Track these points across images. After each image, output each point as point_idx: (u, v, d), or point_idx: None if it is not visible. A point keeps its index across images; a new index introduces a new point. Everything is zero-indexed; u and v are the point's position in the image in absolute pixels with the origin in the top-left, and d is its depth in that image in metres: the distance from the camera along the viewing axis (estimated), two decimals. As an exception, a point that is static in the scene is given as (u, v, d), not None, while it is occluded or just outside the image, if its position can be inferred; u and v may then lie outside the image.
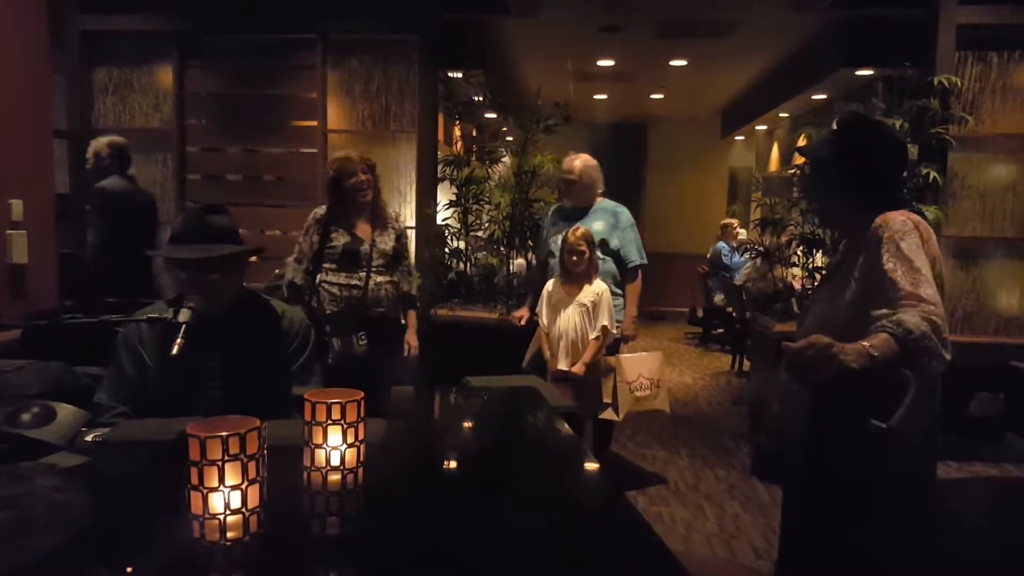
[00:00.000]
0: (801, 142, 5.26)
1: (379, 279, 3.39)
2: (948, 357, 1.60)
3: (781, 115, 8.02)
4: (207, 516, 1.03)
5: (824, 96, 6.65)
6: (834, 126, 1.99)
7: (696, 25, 5.88)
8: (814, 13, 5.22)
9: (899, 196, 1.97)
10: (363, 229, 3.41)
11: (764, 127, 9.77)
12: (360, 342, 3.31)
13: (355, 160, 3.35)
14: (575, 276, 3.63)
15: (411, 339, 3.56)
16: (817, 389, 1.82)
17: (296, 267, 3.37)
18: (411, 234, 4.97)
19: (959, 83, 4.44)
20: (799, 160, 5.27)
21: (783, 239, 5.03)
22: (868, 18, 4.96)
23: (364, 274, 3.35)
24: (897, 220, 1.77)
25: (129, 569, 1.05)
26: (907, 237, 1.73)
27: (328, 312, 3.31)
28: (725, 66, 7.45)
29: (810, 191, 2.03)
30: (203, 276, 1.99)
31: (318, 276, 3.35)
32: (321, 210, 3.42)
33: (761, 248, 5.10)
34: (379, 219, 3.46)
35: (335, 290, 3.32)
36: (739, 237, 8.15)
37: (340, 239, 3.35)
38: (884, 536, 1.77)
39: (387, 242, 3.44)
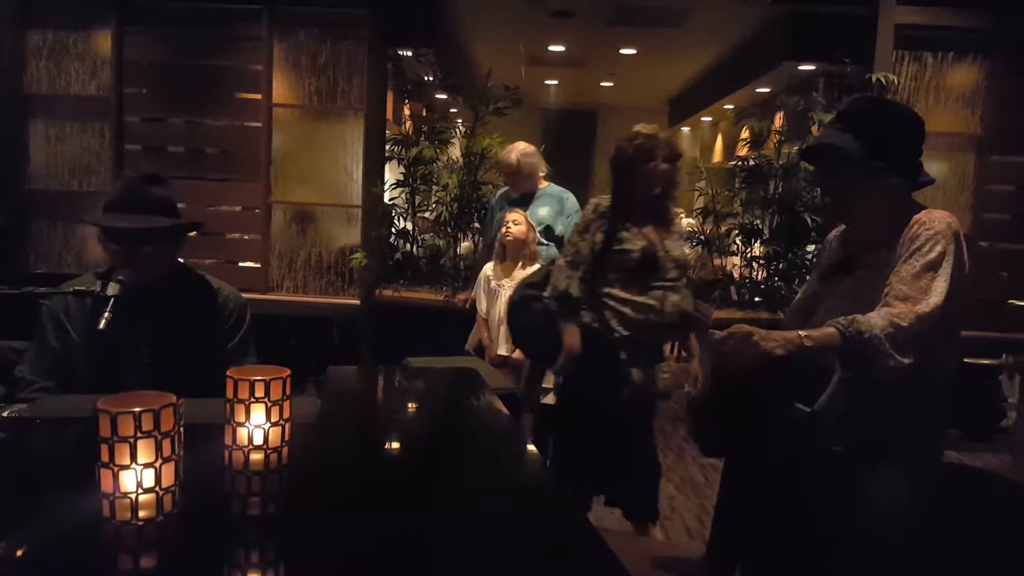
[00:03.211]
0: (744, 134, 5.34)
1: (674, 297, 2.67)
2: (905, 361, 1.63)
3: (726, 107, 8.16)
4: (118, 495, 1.01)
5: (768, 90, 6.78)
6: (849, 116, 1.85)
7: (646, 13, 5.93)
8: (759, 6, 5.31)
9: (923, 176, 1.88)
10: (650, 231, 2.70)
11: (709, 118, 9.93)
12: (662, 375, 2.77)
13: (660, 139, 2.72)
14: (512, 254, 3.62)
15: (697, 369, 2.97)
16: (742, 374, 1.87)
17: (571, 274, 2.67)
18: (358, 214, 4.93)
19: (896, 81, 4.57)
20: (741, 151, 5.38)
21: (723, 228, 5.14)
22: (811, 14, 5.05)
23: (660, 292, 2.66)
24: (942, 221, 1.74)
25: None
26: (943, 241, 1.71)
27: (618, 336, 2.66)
28: (673, 57, 7.54)
29: (838, 192, 1.93)
30: (136, 248, 1.94)
31: (598, 288, 2.67)
32: (605, 201, 2.72)
33: (702, 237, 5.20)
34: (665, 218, 2.76)
35: (627, 310, 2.64)
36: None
37: (636, 241, 2.65)
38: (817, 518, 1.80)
39: (678, 248, 2.77)
